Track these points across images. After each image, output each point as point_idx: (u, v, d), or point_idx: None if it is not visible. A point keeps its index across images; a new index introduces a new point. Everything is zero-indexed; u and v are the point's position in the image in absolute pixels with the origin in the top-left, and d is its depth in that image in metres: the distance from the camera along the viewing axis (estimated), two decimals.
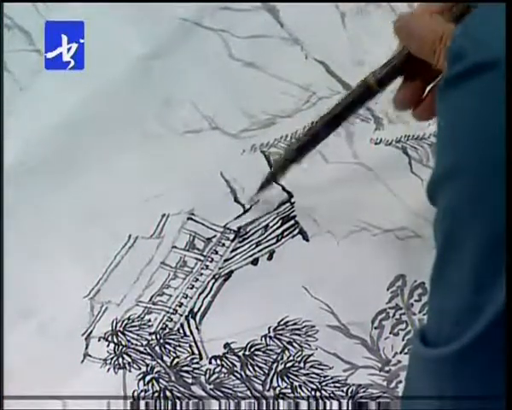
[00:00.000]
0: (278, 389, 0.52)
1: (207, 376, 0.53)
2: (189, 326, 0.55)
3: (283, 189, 0.59)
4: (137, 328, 0.55)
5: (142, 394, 0.53)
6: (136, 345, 0.54)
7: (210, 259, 0.57)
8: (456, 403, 0.36)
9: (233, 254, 0.57)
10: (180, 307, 0.55)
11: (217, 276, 0.56)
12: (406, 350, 0.53)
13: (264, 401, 0.52)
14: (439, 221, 0.38)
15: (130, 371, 0.53)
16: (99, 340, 0.54)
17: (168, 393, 0.52)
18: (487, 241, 0.35)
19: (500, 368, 0.35)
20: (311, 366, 0.53)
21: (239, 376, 0.53)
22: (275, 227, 0.57)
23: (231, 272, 0.56)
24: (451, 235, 0.37)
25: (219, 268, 0.56)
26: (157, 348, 0.54)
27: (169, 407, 0.52)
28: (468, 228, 0.36)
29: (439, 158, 0.39)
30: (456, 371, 0.36)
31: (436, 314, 0.38)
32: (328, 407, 0.51)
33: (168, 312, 0.55)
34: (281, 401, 0.52)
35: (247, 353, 0.53)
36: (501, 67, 0.35)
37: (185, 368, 0.53)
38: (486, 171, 0.35)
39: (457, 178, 0.37)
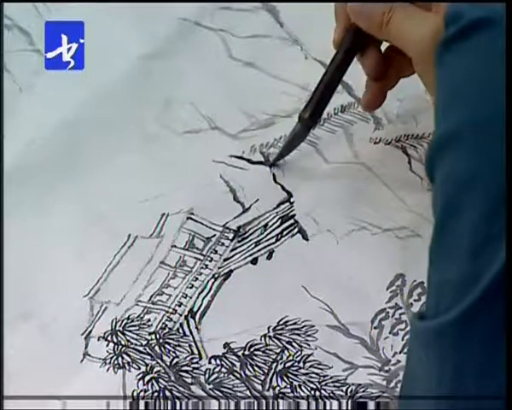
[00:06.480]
0: (278, 388, 0.52)
1: (207, 376, 0.53)
2: (189, 326, 0.54)
3: (283, 188, 0.59)
4: (137, 328, 0.55)
5: (142, 393, 0.52)
6: (136, 345, 0.54)
7: (209, 258, 0.57)
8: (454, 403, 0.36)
9: (232, 253, 0.57)
10: (179, 306, 0.55)
11: (216, 275, 0.56)
12: (406, 350, 0.52)
13: (263, 401, 0.51)
14: (439, 189, 0.37)
15: (129, 370, 0.53)
16: (98, 339, 0.54)
17: (168, 393, 0.52)
18: (488, 204, 0.34)
19: (501, 334, 0.34)
20: (311, 366, 0.53)
21: (238, 376, 0.53)
22: (274, 226, 0.57)
23: (231, 271, 0.56)
24: (451, 200, 0.36)
25: (219, 268, 0.56)
26: (156, 347, 0.54)
27: (168, 407, 0.52)
28: (469, 192, 0.35)
29: (439, 124, 0.38)
30: (457, 339, 0.35)
31: (435, 288, 0.37)
32: (327, 407, 0.51)
33: (168, 311, 0.55)
34: (280, 401, 0.51)
35: (246, 352, 0.53)
36: (498, 23, 0.35)
37: (185, 368, 0.53)
38: (487, 131, 0.35)
39: (459, 141, 0.36)
